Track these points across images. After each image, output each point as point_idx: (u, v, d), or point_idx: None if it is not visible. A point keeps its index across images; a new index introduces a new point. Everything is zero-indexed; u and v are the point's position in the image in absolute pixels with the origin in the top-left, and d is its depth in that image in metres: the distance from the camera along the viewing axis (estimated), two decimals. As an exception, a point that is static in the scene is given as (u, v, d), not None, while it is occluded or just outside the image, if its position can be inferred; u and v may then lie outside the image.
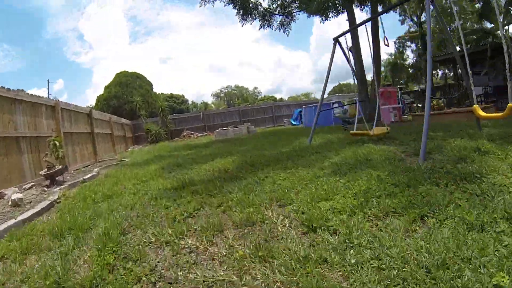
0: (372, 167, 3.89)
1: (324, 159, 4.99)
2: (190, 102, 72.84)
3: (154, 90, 30.08)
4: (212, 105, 66.63)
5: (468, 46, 15.53)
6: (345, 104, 13.78)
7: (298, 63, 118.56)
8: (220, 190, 3.90)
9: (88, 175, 6.91)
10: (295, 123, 25.84)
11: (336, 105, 15.35)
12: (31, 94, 8.24)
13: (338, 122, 13.85)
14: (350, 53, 7.62)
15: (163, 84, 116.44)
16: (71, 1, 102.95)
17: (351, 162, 4.38)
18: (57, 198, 4.61)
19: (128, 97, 25.17)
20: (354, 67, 8.61)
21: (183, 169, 6.03)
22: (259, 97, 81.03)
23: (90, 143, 13.15)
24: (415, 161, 4.14)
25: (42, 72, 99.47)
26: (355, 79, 8.58)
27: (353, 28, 11.45)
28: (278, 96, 77.90)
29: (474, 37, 16.93)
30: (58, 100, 10.23)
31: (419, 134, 6.27)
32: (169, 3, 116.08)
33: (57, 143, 6.73)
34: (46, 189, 6.18)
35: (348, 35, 10.16)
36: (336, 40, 7.42)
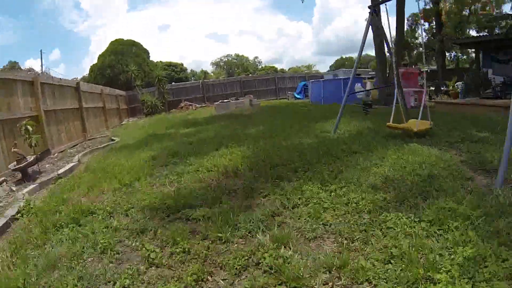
0: (445, 194, 2.96)
1: (368, 166, 3.99)
2: (189, 70, 71.04)
3: (151, 58, 28.61)
4: (212, 74, 64.74)
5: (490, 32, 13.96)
6: (368, 80, 12.54)
7: (300, 34, 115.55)
8: (232, 228, 2.71)
9: (67, 167, 5.94)
10: (298, 96, 24.63)
11: (359, 85, 13.89)
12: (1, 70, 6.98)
13: (354, 100, 12.73)
14: (370, 26, 6.28)
15: (161, 52, 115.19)
16: None
17: (410, 178, 3.44)
18: (17, 213, 3.63)
19: (124, 66, 23.76)
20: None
21: (179, 165, 4.99)
22: (260, 66, 79.31)
23: (78, 120, 12.14)
24: (486, 180, 3.33)
25: (38, 43, 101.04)
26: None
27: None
28: (278, 67, 77.22)
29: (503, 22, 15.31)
30: (37, 74, 8.99)
31: (460, 130, 5.47)
32: None
33: (29, 127, 5.64)
34: (14, 187, 5.25)
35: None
36: (372, 8, 6.09)
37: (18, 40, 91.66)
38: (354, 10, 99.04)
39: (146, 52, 27.17)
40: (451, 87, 13.57)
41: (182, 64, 66.36)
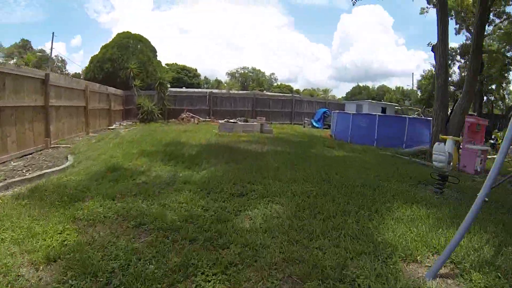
0: None
1: None
2: (202, 77, 69.71)
3: (159, 59, 26.36)
4: (225, 84, 62.90)
5: None
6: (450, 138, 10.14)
7: (318, 57, 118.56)
8: None
9: None
10: (317, 125, 22.19)
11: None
12: None
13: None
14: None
15: (177, 55, 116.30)
16: None
17: None
18: None
19: (125, 62, 21.39)
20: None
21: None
22: (275, 84, 79.67)
23: (40, 121, 9.62)
24: None
25: (62, 26, 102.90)
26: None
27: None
28: (293, 86, 77.11)
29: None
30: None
31: None
32: None
33: None
34: None
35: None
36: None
37: (45, 20, 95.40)
38: (373, 38, 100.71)
39: (153, 51, 24.99)
40: (500, 141, 11.07)
41: (196, 70, 65.61)
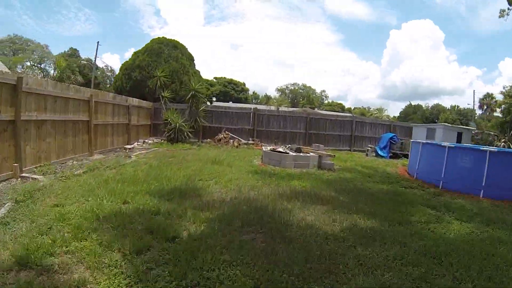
0: None
1: None
2: (251, 92, 69.07)
3: (199, 68, 23.46)
4: (274, 100, 60.53)
5: None
6: None
7: (367, 74, 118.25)
8: None
9: None
10: (382, 153, 17.88)
11: None
12: None
13: None
14: None
15: (227, 71, 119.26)
16: None
17: None
18: None
19: (155, 69, 18.57)
20: None
21: None
22: (325, 101, 79.96)
23: (6, 141, 6.60)
24: None
25: (118, 39, 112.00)
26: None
27: None
28: (344, 105, 76.36)
29: None
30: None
31: None
32: None
33: None
34: None
35: None
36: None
37: (100, 33, 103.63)
38: (423, 55, 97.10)
39: (190, 59, 22.24)
40: None
41: (244, 84, 64.50)
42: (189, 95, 16.25)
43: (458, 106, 64.14)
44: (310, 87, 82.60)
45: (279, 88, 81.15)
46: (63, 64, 41.68)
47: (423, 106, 70.46)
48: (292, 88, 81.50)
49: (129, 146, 14.16)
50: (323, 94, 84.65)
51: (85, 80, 41.52)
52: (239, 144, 16.58)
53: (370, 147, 18.77)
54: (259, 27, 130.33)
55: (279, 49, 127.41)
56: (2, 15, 69.15)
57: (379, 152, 18.28)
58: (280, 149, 11.64)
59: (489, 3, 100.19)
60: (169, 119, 15.89)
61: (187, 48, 22.47)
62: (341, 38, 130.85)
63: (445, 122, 48.90)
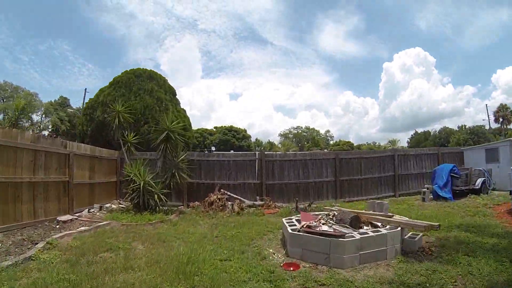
0: None
1: None
2: (253, 139, 66.35)
3: (181, 106, 18.55)
4: (280, 146, 56.35)
5: None
6: None
7: (366, 110, 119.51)
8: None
9: None
10: (445, 195, 13.34)
11: None
12: None
13: None
14: None
15: (227, 120, 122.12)
16: (152, 34, 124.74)
17: None
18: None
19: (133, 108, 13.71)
20: None
21: None
22: (331, 142, 78.87)
23: None
24: None
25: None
26: None
27: None
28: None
29: None
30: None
31: None
32: (242, 42, 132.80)
33: None
34: None
35: None
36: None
37: (100, 86, 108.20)
38: (417, 82, 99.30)
39: (171, 93, 17.32)
40: None
41: (245, 130, 61.61)
42: (162, 137, 11.09)
43: (465, 126, 63.78)
44: (313, 128, 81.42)
45: (282, 133, 79.54)
46: (21, 103, 39.49)
47: (431, 132, 69.48)
48: (296, 132, 79.95)
49: (64, 218, 9.11)
50: (327, 134, 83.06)
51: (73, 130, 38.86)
52: (241, 209, 11.26)
53: (427, 188, 13.56)
54: (256, 75, 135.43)
55: (278, 94, 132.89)
56: (9, 68, 73.73)
57: (440, 193, 13.40)
58: (324, 227, 6.25)
59: (472, 22, 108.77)
60: (130, 174, 10.64)
61: (166, 80, 17.98)
62: (336, 77, 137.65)
63: (457, 144, 46.10)
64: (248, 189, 13.52)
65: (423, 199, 13.27)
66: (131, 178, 10.77)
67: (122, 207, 11.51)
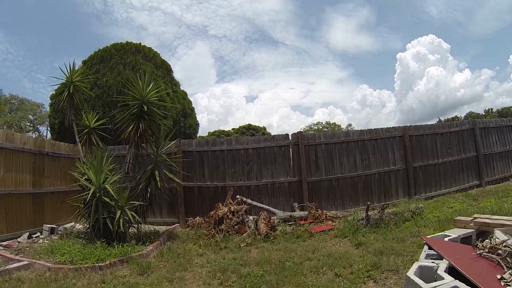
0: None
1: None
2: None
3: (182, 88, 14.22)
4: None
5: None
6: None
7: (383, 103, 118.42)
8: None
9: None
10: None
11: None
12: None
13: None
14: None
15: (244, 122, 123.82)
16: (163, 43, 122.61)
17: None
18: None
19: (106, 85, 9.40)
20: None
21: None
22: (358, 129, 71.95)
23: None
24: None
25: None
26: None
27: None
28: None
29: None
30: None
31: None
32: (254, 44, 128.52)
33: None
34: None
35: None
36: None
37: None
38: (433, 70, 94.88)
39: (164, 69, 12.80)
40: None
41: (264, 128, 57.13)
42: (132, 112, 6.53)
43: (492, 109, 61.36)
44: (335, 123, 76.61)
45: (301, 130, 74.76)
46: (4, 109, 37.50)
47: (459, 118, 65.49)
48: (316, 128, 74.82)
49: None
50: (349, 128, 77.99)
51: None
52: (272, 228, 6.62)
53: None
54: (271, 76, 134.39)
55: (294, 93, 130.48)
56: (28, 88, 73.45)
57: None
58: None
59: (483, 4, 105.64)
60: (82, 178, 6.30)
61: (158, 54, 13.47)
62: (351, 72, 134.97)
63: None
64: (279, 192, 8.77)
65: None
66: (81, 184, 6.36)
67: (87, 226, 7.12)
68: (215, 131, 56.03)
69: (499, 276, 2.63)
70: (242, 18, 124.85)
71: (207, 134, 53.50)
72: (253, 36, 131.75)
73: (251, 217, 7.27)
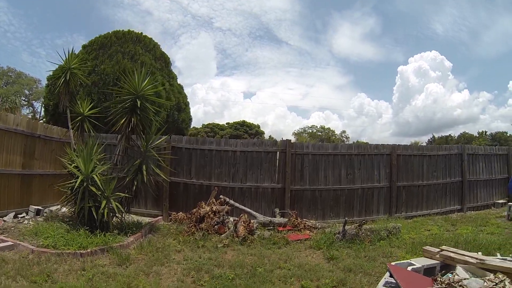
0: None
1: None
2: (267, 136, 63.19)
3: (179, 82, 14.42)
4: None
5: None
6: None
7: (380, 113, 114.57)
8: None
9: None
10: None
11: None
12: None
13: None
14: None
15: (240, 117, 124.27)
16: (167, 30, 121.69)
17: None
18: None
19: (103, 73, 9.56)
20: None
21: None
22: (347, 142, 72.52)
23: None
24: None
25: None
26: None
27: None
28: None
29: None
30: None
31: None
32: (258, 41, 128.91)
33: None
34: None
35: None
36: None
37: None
38: (432, 87, 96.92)
39: (163, 61, 13.01)
40: None
41: (258, 126, 57.26)
42: (125, 105, 6.72)
43: (486, 132, 62.18)
44: (329, 128, 77.05)
45: (295, 132, 74.67)
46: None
47: (452, 137, 66.69)
48: (310, 131, 75.43)
49: None
50: (343, 135, 77.56)
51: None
52: (250, 231, 6.87)
53: None
54: (271, 74, 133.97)
55: (292, 94, 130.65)
56: (26, 61, 73.27)
57: None
58: None
59: (489, 27, 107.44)
60: (71, 166, 6.49)
61: (159, 45, 13.59)
62: (351, 79, 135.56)
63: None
64: (262, 196, 9.02)
65: (508, 217, 9.32)
66: (70, 171, 6.55)
67: (72, 211, 7.31)
68: (209, 123, 55.94)
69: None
70: (248, 14, 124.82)
71: (201, 126, 53.42)
72: (257, 32, 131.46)
73: (231, 218, 7.51)
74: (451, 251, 4.13)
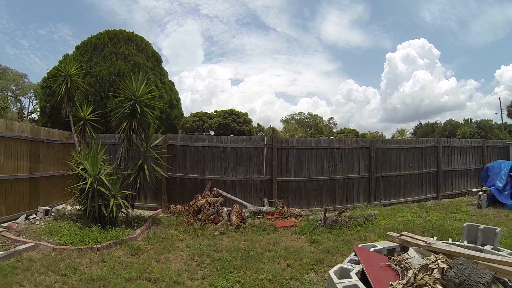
0: None
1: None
2: (255, 124, 63.51)
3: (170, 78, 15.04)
4: (281, 132, 53.26)
5: None
6: None
7: (368, 99, 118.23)
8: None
9: None
10: (505, 200, 10.58)
11: None
12: None
13: None
14: None
15: (227, 104, 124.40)
16: (153, 18, 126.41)
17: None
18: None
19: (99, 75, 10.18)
20: None
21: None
22: (335, 129, 76.80)
23: None
24: None
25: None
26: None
27: None
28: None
29: None
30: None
31: None
32: (245, 27, 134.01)
33: None
34: None
35: None
36: None
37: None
38: (420, 74, 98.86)
39: (154, 59, 13.62)
40: None
41: (246, 114, 58.08)
42: (125, 111, 7.50)
43: (471, 119, 63.99)
44: (316, 115, 78.12)
45: (283, 119, 75.83)
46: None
47: (438, 124, 68.56)
48: (298, 118, 76.40)
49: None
50: (330, 121, 79.70)
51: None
52: (242, 220, 7.78)
53: (484, 191, 10.68)
54: (258, 61, 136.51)
55: (280, 80, 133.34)
56: (10, 53, 72.95)
57: (498, 197, 10.50)
58: None
59: (478, 16, 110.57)
60: (79, 168, 7.22)
61: (150, 44, 14.25)
62: (339, 66, 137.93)
63: (463, 137, 44.46)
64: (252, 188, 9.95)
65: (479, 205, 10.26)
66: (78, 173, 7.31)
67: (79, 209, 8.06)
68: (197, 112, 56.16)
69: (392, 283, 3.82)
70: (236, 0, 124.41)
71: (190, 115, 53.70)
72: (244, 19, 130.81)
73: (225, 209, 8.42)
74: (408, 236, 5.04)
